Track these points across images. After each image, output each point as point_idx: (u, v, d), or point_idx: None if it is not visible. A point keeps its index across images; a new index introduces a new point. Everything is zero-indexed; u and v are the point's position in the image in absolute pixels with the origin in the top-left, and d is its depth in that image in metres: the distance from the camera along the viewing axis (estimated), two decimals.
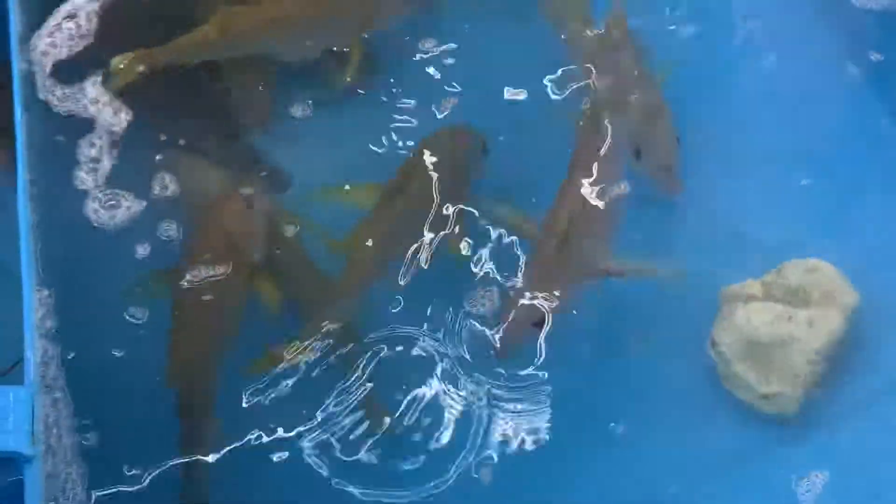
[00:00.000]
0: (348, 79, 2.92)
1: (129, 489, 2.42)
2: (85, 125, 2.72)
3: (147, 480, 2.44)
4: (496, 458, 2.55)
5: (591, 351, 2.72)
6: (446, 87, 2.94)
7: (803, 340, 2.60)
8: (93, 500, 2.37)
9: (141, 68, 2.70)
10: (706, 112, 3.02)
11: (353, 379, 2.56)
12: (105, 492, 2.40)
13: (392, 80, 2.96)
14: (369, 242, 2.63)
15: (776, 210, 2.89)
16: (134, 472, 2.44)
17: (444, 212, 2.71)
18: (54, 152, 2.64)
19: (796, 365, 2.59)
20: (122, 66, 2.69)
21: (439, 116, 2.91)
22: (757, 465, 2.63)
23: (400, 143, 2.88)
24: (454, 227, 2.71)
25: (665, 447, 2.65)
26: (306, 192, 2.78)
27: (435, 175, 2.73)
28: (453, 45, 2.97)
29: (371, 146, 2.87)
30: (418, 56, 2.97)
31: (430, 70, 2.96)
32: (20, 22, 2.59)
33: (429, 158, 2.74)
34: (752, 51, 3.12)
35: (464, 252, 2.71)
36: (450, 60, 2.96)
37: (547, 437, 2.58)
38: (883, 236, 2.83)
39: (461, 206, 2.73)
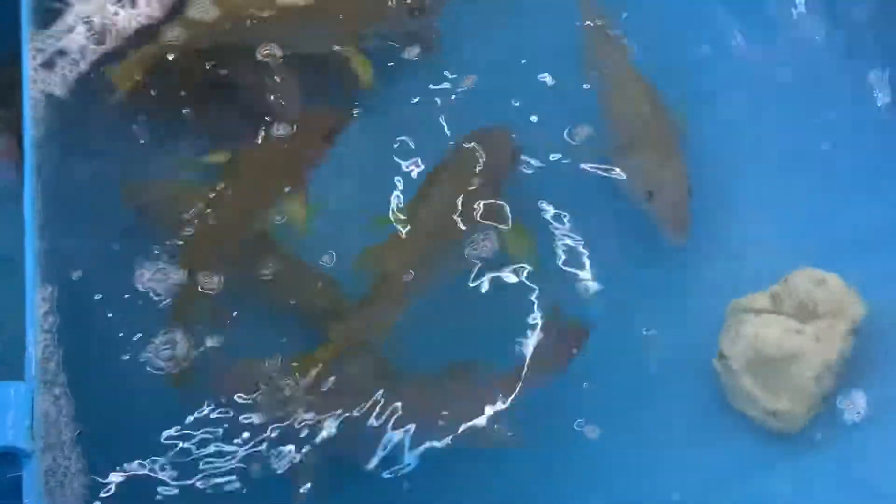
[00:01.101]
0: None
1: (129, 484, 2.42)
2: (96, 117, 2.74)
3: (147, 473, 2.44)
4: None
5: (594, 361, 2.69)
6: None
7: (811, 355, 2.57)
8: (91, 495, 2.36)
9: (137, 75, 2.69)
10: (712, 121, 2.99)
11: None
12: (105, 489, 2.39)
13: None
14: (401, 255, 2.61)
15: (782, 221, 2.88)
16: (134, 467, 2.44)
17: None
18: (62, 146, 2.64)
19: (804, 380, 2.56)
20: (119, 74, 2.68)
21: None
22: (759, 480, 2.62)
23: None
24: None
25: (667, 458, 2.65)
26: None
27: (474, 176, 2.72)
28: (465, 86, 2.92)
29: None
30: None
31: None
32: (30, 21, 2.59)
33: (465, 160, 2.73)
34: (760, 62, 3.08)
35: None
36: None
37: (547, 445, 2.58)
38: (892, 248, 2.79)
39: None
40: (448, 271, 2.69)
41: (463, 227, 2.67)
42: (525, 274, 2.71)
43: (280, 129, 2.75)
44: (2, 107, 2.76)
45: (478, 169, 2.72)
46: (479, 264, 2.69)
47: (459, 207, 2.68)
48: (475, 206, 2.69)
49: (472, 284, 2.68)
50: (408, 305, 2.61)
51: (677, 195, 2.76)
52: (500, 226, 2.71)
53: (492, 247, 2.69)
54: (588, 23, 3.00)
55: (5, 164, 2.73)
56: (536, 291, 2.70)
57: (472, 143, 2.75)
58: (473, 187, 2.70)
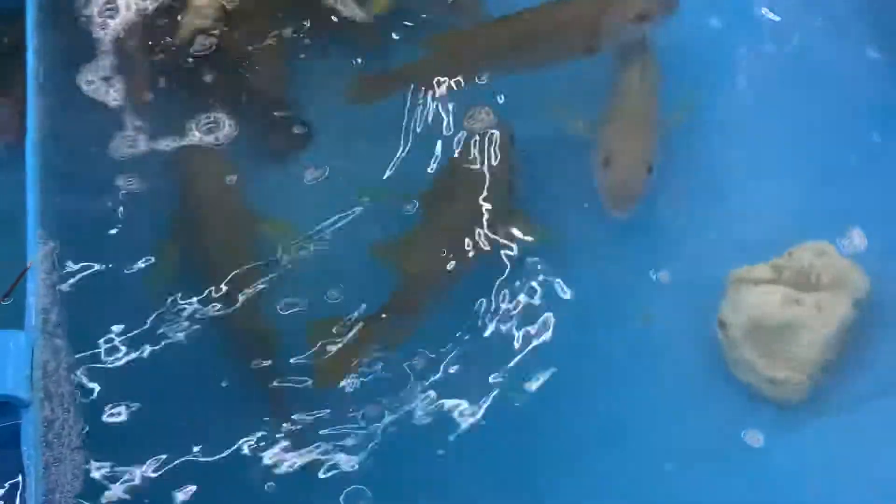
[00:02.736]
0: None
1: (125, 437, 2.44)
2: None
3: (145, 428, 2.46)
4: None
5: (594, 330, 2.72)
6: None
7: (812, 325, 2.56)
8: (89, 449, 2.38)
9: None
10: (717, 91, 2.99)
11: None
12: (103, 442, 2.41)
13: None
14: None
15: (785, 194, 2.86)
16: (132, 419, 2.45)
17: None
18: (66, 105, 2.67)
19: (804, 350, 2.55)
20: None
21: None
22: (757, 451, 2.58)
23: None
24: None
25: (664, 425, 2.63)
26: None
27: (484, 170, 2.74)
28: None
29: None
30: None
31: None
32: None
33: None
34: (767, 34, 3.09)
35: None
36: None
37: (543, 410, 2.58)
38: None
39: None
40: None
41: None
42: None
43: None
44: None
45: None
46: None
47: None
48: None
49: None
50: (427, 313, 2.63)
51: (633, 168, 2.74)
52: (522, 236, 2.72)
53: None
54: None
55: (6, 122, 2.74)
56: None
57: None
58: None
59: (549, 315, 2.65)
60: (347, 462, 2.43)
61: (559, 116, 2.88)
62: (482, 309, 2.64)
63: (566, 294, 2.69)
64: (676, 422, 2.62)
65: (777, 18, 3.12)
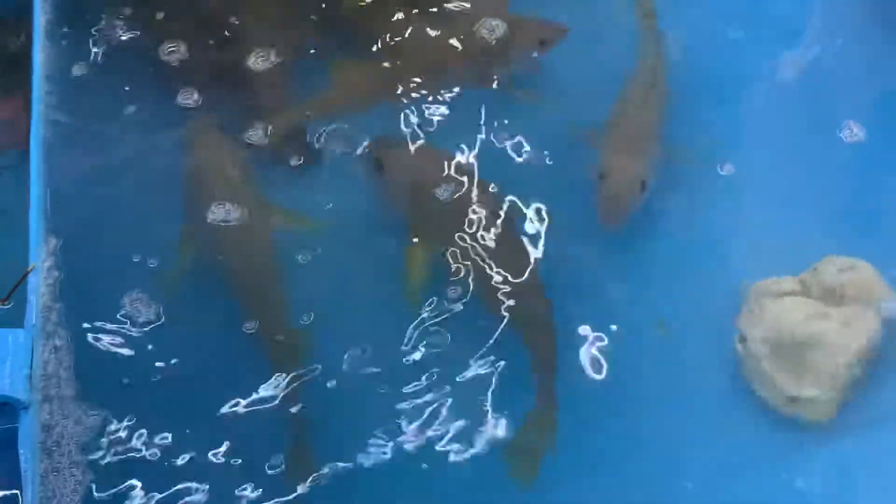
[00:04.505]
0: None
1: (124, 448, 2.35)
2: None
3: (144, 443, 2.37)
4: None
5: (610, 339, 2.63)
6: None
7: (838, 341, 2.47)
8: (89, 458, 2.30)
9: None
10: (743, 99, 2.94)
11: None
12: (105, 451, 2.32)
13: None
14: None
15: (811, 208, 2.80)
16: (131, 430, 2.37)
17: None
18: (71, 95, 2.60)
19: (829, 366, 2.46)
20: None
21: None
22: (778, 472, 2.49)
23: None
24: None
25: (684, 442, 2.55)
26: None
27: None
28: None
29: None
30: None
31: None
32: None
33: None
34: (787, 44, 3.04)
35: None
36: None
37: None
38: None
39: None
40: None
41: None
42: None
43: None
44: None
45: None
46: None
47: None
48: None
49: None
50: None
51: (626, 185, 2.70)
52: None
53: None
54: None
55: (11, 123, 2.68)
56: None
57: None
58: None
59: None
60: None
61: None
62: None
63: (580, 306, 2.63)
64: (697, 438, 2.55)
65: (794, 28, 3.07)
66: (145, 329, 2.45)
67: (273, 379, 2.42)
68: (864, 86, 2.97)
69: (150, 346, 2.44)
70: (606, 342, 2.61)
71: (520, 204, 2.73)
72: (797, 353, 2.48)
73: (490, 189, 2.72)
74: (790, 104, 2.97)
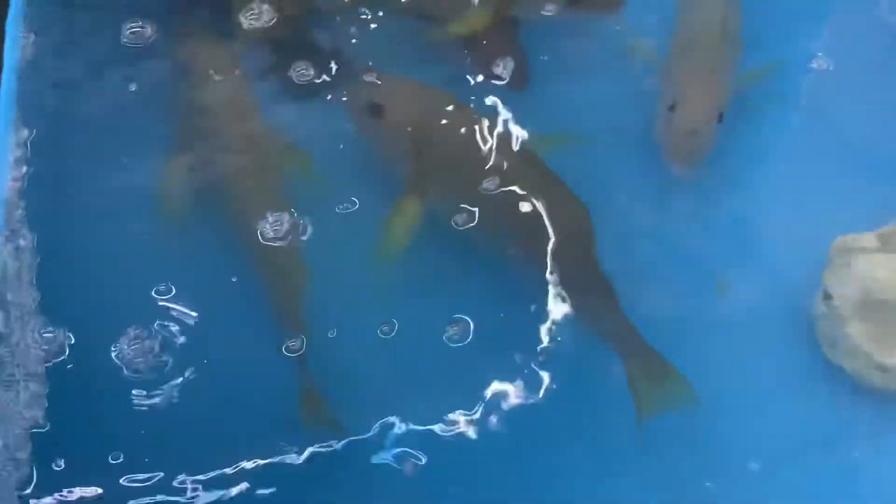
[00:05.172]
0: None
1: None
2: None
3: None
4: None
5: (664, 302, 2.31)
6: None
7: None
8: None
9: None
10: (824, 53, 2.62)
11: None
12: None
13: None
14: None
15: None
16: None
17: None
18: None
19: None
20: None
21: None
22: (855, 450, 2.18)
23: None
24: None
25: (748, 419, 2.22)
26: None
27: None
28: None
29: None
30: None
31: None
32: None
33: None
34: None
35: None
36: None
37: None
38: None
39: None
40: None
41: None
42: None
43: None
44: None
45: None
46: None
47: None
48: None
49: None
50: None
51: (701, 115, 2.35)
52: None
53: None
54: None
55: None
56: None
57: None
58: None
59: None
60: None
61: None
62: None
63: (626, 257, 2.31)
64: (762, 415, 2.23)
65: None
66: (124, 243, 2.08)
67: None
68: None
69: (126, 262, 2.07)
70: (660, 303, 2.27)
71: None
72: (888, 315, 2.14)
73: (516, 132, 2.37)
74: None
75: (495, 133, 2.32)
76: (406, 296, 2.21)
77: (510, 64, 2.48)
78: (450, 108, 2.35)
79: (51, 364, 1.89)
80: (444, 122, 2.33)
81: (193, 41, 2.38)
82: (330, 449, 2.01)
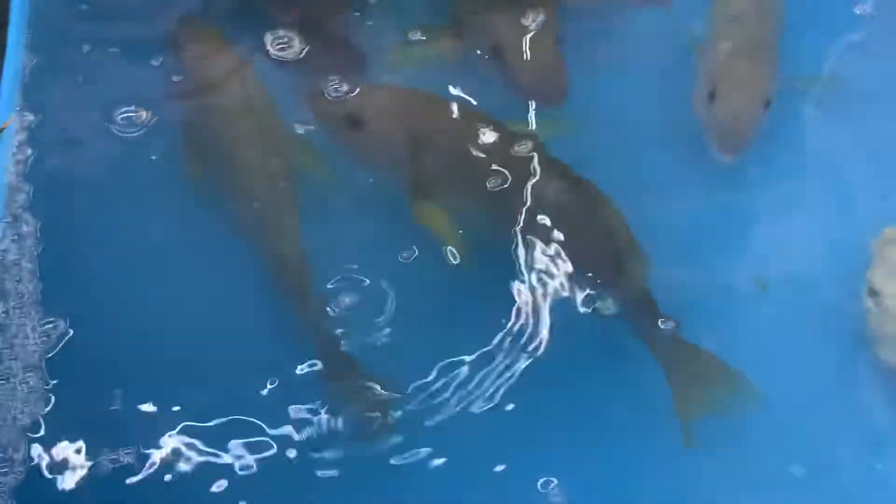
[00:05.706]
0: None
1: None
2: None
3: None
4: None
5: (699, 301, 2.20)
6: None
7: None
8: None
9: None
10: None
11: None
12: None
13: None
14: None
15: None
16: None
17: None
18: None
19: None
20: None
21: None
22: None
23: None
24: None
25: (790, 420, 2.10)
26: None
27: None
28: None
29: None
30: None
31: None
32: None
33: None
34: None
35: None
36: None
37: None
38: None
39: None
40: None
41: None
42: None
43: None
44: None
45: None
46: None
47: None
48: None
49: None
50: None
51: (745, 102, 2.26)
52: None
53: None
54: None
55: None
56: None
57: None
58: None
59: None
60: None
61: None
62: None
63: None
64: (805, 417, 2.11)
65: None
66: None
67: None
68: None
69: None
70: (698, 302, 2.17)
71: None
72: None
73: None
74: None
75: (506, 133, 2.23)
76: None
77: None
78: (450, 112, 2.26)
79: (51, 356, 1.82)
80: (443, 126, 2.24)
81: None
82: None
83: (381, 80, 2.33)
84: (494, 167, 2.17)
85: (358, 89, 2.23)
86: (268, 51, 2.30)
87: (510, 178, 2.17)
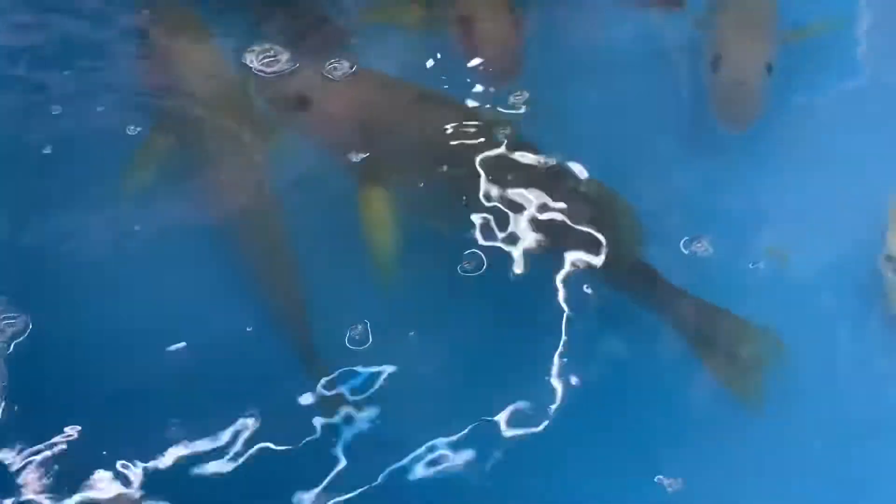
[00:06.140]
0: None
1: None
2: None
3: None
4: None
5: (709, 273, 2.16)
6: None
7: None
8: None
9: None
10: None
11: None
12: None
13: None
14: None
15: None
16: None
17: None
18: None
19: None
20: None
21: None
22: None
23: None
24: None
25: (811, 393, 2.06)
26: None
27: None
28: None
29: None
30: None
31: None
32: None
33: None
34: None
35: None
36: None
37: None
38: None
39: None
40: None
41: None
42: None
43: None
44: None
45: None
46: None
47: None
48: None
49: None
50: None
51: (748, 68, 2.25)
52: None
53: None
54: None
55: None
56: None
57: None
58: None
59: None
60: None
61: None
62: None
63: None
64: (826, 389, 2.08)
65: None
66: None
67: None
68: None
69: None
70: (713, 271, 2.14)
71: None
72: None
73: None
74: None
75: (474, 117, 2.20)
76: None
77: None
78: (409, 94, 2.22)
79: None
80: (402, 109, 2.19)
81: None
82: None
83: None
84: (449, 151, 2.12)
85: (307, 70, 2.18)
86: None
87: (465, 162, 2.12)
